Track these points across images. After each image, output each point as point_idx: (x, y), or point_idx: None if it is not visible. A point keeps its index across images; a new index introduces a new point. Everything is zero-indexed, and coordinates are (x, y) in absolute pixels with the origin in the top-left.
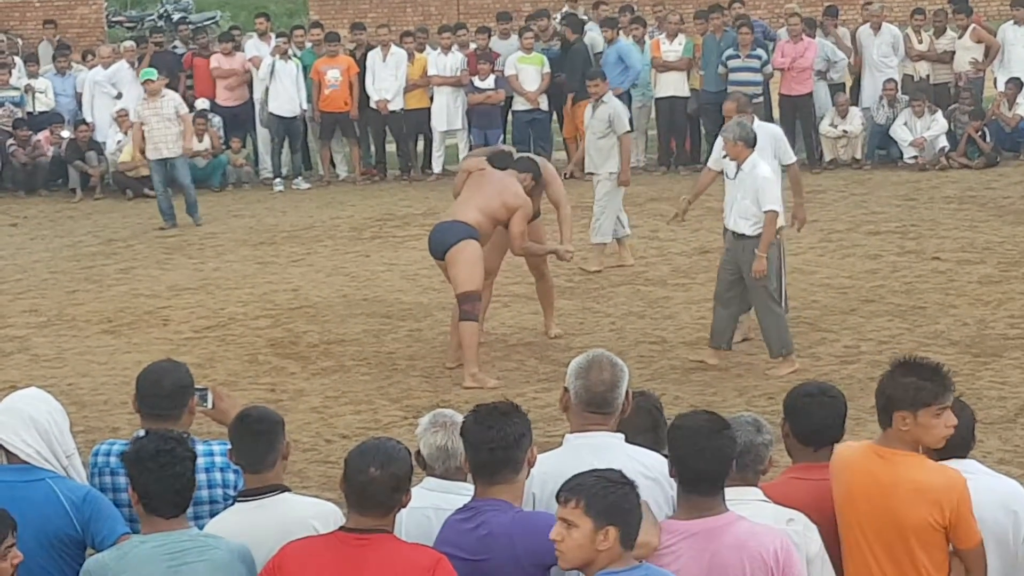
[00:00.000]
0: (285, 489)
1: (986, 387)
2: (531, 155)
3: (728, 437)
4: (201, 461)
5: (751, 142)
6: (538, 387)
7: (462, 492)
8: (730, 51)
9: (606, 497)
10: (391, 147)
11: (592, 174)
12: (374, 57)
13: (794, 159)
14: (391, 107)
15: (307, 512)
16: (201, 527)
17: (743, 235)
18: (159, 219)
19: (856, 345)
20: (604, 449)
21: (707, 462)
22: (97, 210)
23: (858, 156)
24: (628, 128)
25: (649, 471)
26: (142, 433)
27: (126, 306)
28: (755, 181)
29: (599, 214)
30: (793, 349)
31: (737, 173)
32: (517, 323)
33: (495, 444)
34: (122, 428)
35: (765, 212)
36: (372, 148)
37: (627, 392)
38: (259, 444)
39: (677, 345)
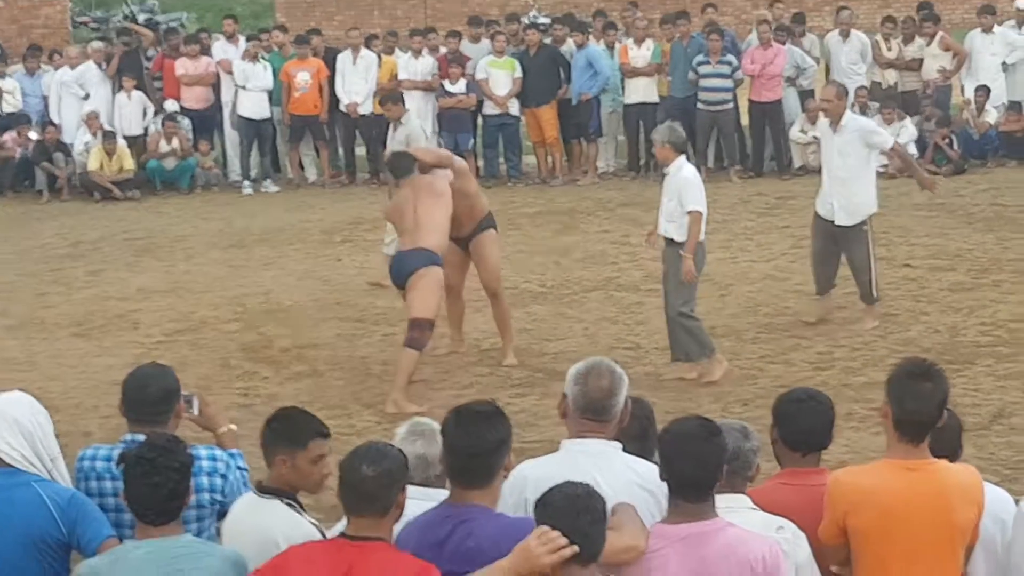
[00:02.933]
0: (286, 496)
1: (959, 395)
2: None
3: (719, 443)
4: None
5: (679, 146)
6: (512, 392)
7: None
8: (700, 57)
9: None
10: (361, 150)
11: None
12: (344, 60)
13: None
14: (361, 110)
15: (279, 528)
16: (188, 531)
17: (672, 240)
18: (127, 222)
19: (830, 351)
20: (600, 457)
21: (696, 467)
22: (64, 212)
23: None
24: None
25: (644, 482)
26: (128, 437)
27: (96, 309)
28: (678, 183)
29: None
30: (715, 348)
31: (664, 177)
32: (490, 328)
33: (474, 450)
34: (94, 432)
35: (688, 212)
36: (340, 151)
37: (626, 401)
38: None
39: (651, 351)
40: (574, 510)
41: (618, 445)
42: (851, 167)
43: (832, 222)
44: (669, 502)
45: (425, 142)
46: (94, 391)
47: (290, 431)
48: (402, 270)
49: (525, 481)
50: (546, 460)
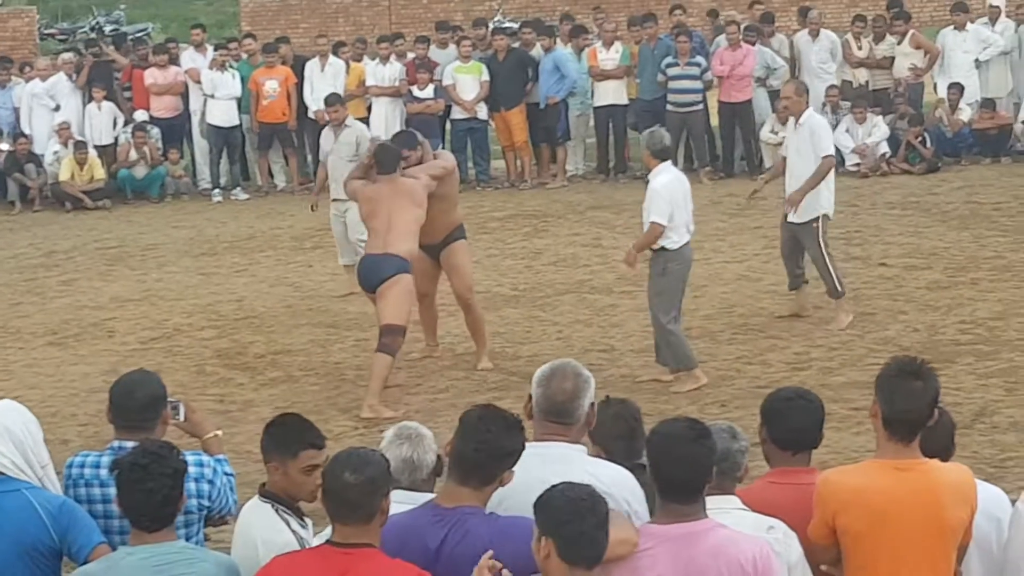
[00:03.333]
0: (281, 502)
1: (941, 393)
2: (405, 131)
3: (708, 445)
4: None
5: (657, 152)
6: (488, 396)
7: None
8: (669, 59)
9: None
10: None
11: (338, 200)
12: (312, 67)
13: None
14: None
15: (259, 531)
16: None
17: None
18: (99, 231)
19: (806, 351)
20: (560, 460)
21: (685, 469)
22: (37, 222)
23: None
24: None
25: (605, 486)
26: (116, 444)
27: (71, 318)
28: (648, 191)
29: (359, 239)
30: (695, 364)
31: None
32: (464, 332)
33: (482, 447)
34: (73, 440)
35: (651, 223)
36: (309, 158)
37: (592, 404)
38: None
39: (626, 353)
40: (578, 513)
41: (582, 448)
42: (805, 165)
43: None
44: (658, 503)
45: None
46: (72, 399)
47: (282, 439)
48: (372, 276)
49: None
50: None
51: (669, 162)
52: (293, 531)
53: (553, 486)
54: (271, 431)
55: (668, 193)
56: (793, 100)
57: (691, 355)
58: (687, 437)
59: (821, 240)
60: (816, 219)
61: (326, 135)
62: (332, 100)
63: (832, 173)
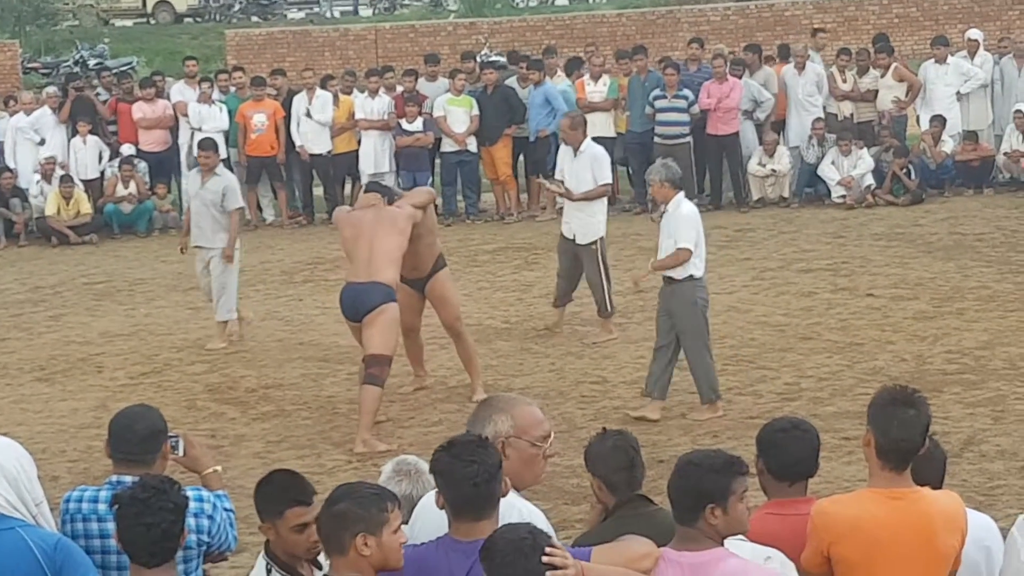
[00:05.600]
0: (276, 560)
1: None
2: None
3: (717, 473)
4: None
5: (677, 182)
6: None
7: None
8: (656, 91)
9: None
10: (319, 190)
11: (201, 247)
12: (300, 101)
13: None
14: (317, 150)
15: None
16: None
17: (670, 279)
18: (86, 266)
19: (796, 382)
20: None
21: (678, 491)
22: (22, 257)
23: (785, 195)
24: (240, 204)
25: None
26: (114, 479)
27: (58, 353)
28: (676, 220)
29: (220, 290)
30: (719, 396)
31: (663, 214)
32: (456, 365)
33: (479, 478)
34: (62, 476)
35: (678, 249)
36: (296, 192)
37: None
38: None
39: (618, 385)
40: (522, 554)
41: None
42: (583, 189)
43: (574, 241)
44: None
45: (242, 199)
46: (60, 435)
47: (268, 499)
48: (358, 304)
49: (416, 513)
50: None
51: (683, 192)
52: None
53: (495, 531)
54: (259, 490)
55: (696, 221)
56: (569, 134)
57: (717, 385)
58: (709, 466)
59: (600, 260)
60: (595, 242)
61: (192, 178)
62: (206, 145)
63: (604, 201)
